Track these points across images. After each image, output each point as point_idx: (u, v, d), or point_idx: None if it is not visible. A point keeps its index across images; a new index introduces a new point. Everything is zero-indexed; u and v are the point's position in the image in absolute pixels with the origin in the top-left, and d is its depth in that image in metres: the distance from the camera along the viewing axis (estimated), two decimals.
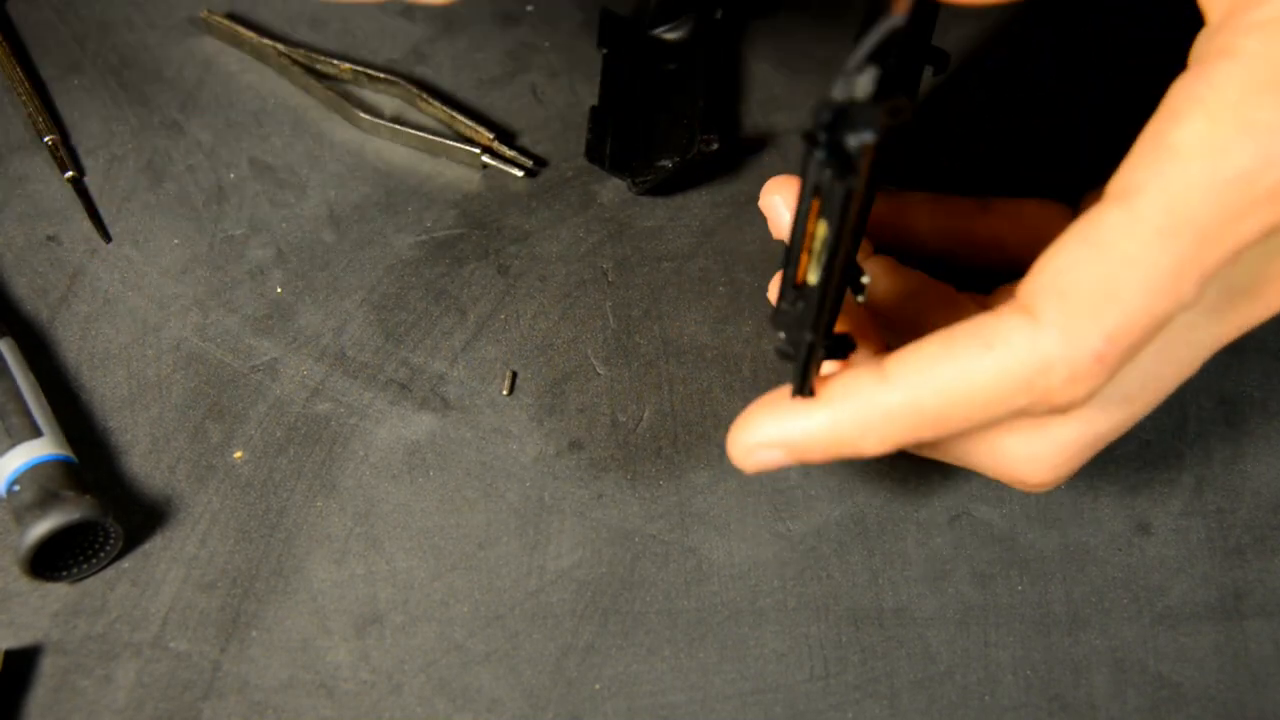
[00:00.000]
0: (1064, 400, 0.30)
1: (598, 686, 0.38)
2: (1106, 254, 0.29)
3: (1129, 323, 0.29)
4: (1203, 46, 0.30)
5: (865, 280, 0.34)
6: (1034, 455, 0.34)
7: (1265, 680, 0.39)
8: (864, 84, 0.28)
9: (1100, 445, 0.34)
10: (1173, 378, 0.33)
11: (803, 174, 0.30)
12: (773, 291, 0.39)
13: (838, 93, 0.28)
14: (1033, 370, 0.29)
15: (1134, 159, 0.29)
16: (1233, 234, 0.29)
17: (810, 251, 0.31)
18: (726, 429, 0.42)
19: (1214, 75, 0.29)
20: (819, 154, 0.28)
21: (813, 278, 0.31)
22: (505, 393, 0.43)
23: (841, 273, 0.30)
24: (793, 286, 0.32)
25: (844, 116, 0.27)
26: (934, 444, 0.34)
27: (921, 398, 0.30)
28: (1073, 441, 0.33)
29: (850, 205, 0.28)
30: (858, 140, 0.27)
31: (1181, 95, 0.29)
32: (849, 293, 0.34)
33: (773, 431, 0.32)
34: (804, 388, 0.32)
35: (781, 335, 0.33)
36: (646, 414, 0.43)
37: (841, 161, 0.28)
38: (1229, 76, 0.29)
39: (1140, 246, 0.28)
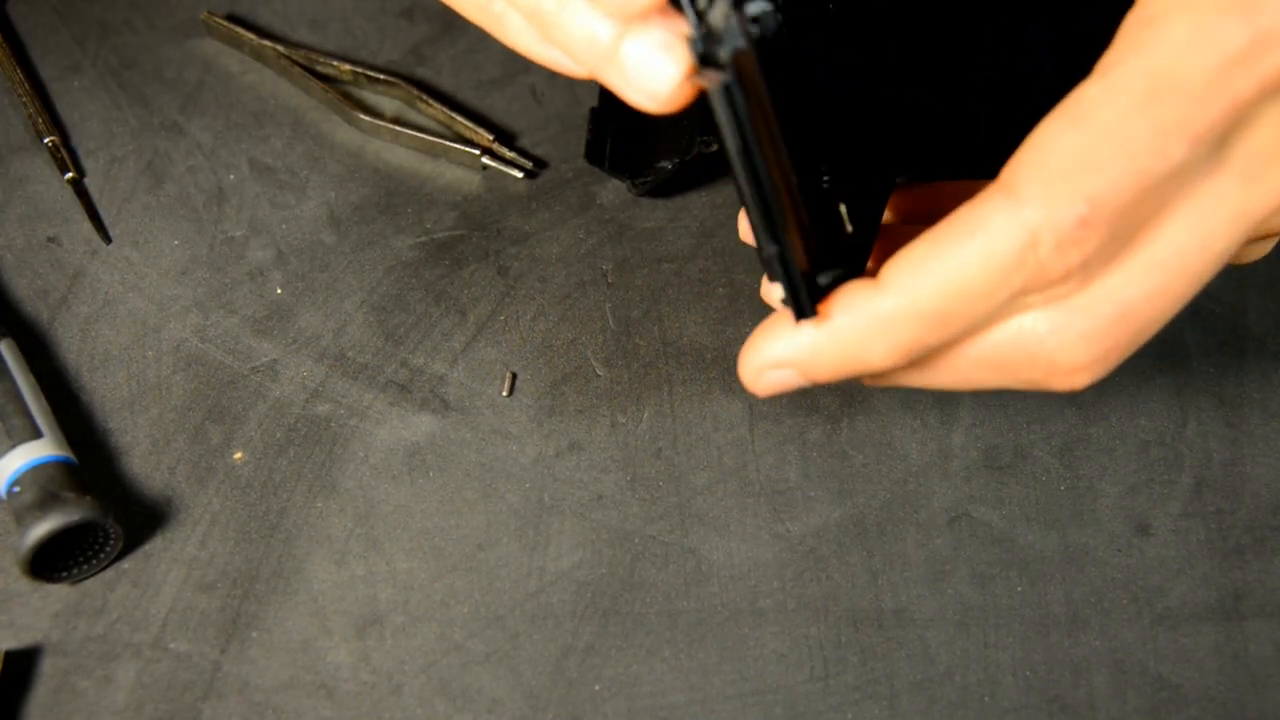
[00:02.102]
0: (1058, 270, 0.29)
1: (598, 687, 0.38)
2: (1085, 124, 0.29)
3: (1111, 185, 0.29)
4: None
5: (842, 208, 0.33)
6: (1060, 331, 0.31)
7: (1265, 681, 0.39)
8: (718, 13, 0.29)
9: (1137, 319, 0.31)
10: (1208, 249, 0.31)
11: (713, 115, 0.30)
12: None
13: (694, 30, 0.29)
14: (1020, 246, 0.29)
15: (1114, 43, 0.30)
16: (1224, 91, 0.28)
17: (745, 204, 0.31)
18: (726, 431, 0.43)
19: None
20: (704, 80, 0.29)
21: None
22: (505, 394, 0.43)
23: (778, 180, 0.30)
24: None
25: (711, 39, 0.29)
26: (955, 352, 0.32)
27: (918, 297, 0.30)
28: (1098, 308, 0.31)
29: (735, 101, 0.29)
30: (728, 51, 0.28)
31: None
32: (845, 223, 0.33)
33: (779, 350, 0.32)
34: (802, 309, 0.32)
35: (777, 291, 0.32)
36: (646, 415, 0.43)
37: (720, 69, 0.29)
38: None
39: (1118, 113, 0.29)
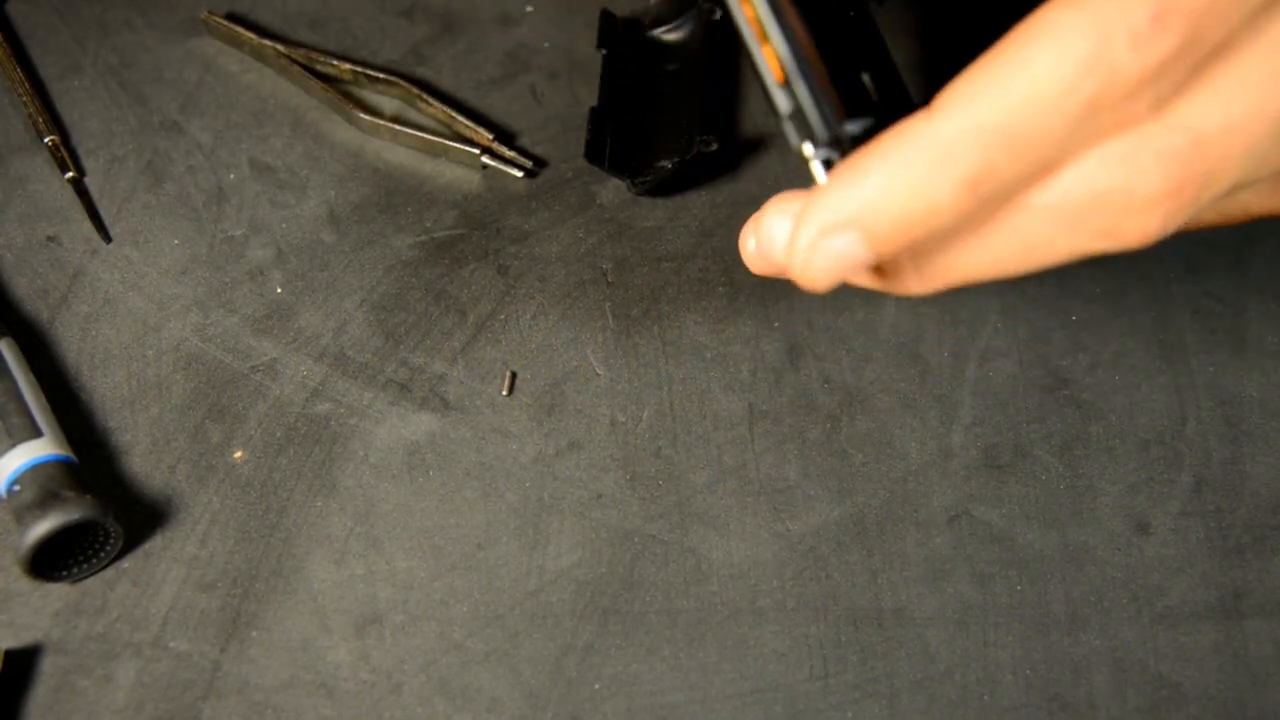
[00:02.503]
0: (1134, 74, 0.26)
1: (597, 686, 0.38)
2: None
3: None
4: None
5: (865, 78, 0.31)
6: (1135, 155, 0.28)
7: (1265, 680, 0.39)
8: None
9: (1214, 155, 0.28)
10: None
11: None
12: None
13: None
14: (1092, 45, 0.26)
15: None
16: None
17: (767, 40, 0.30)
18: (726, 429, 0.43)
19: None
20: None
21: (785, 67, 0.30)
22: (505, 393, 0.43)
23: (806, 42, 0.29)
24: (781, 91, 0.31)
25: None
26: (1027, 210, 0.29)
27: (983, 115, 0.27)
28: (1171, 133, 0.28)
29: None
30: None
31: None
32: (867, 85, 0.31)
33: (835, 208, 0.28)
34: (828, 121, 0.30)
35: (809, 149, 0.30)
36: (646, 414, 0.43)
37: None
38: None
39: None
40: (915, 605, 0.40)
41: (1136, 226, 0.28)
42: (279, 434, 0.42)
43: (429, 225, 0.47)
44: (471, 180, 0.48)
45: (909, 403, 0.43)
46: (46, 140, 0.48)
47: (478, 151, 0.48)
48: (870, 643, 0.39)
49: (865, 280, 0.33)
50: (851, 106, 0.30)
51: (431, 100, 0.49)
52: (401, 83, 0.49)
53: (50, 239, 0.46)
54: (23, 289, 0.45)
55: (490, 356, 0.44)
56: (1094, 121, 0.27)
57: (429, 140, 0.48)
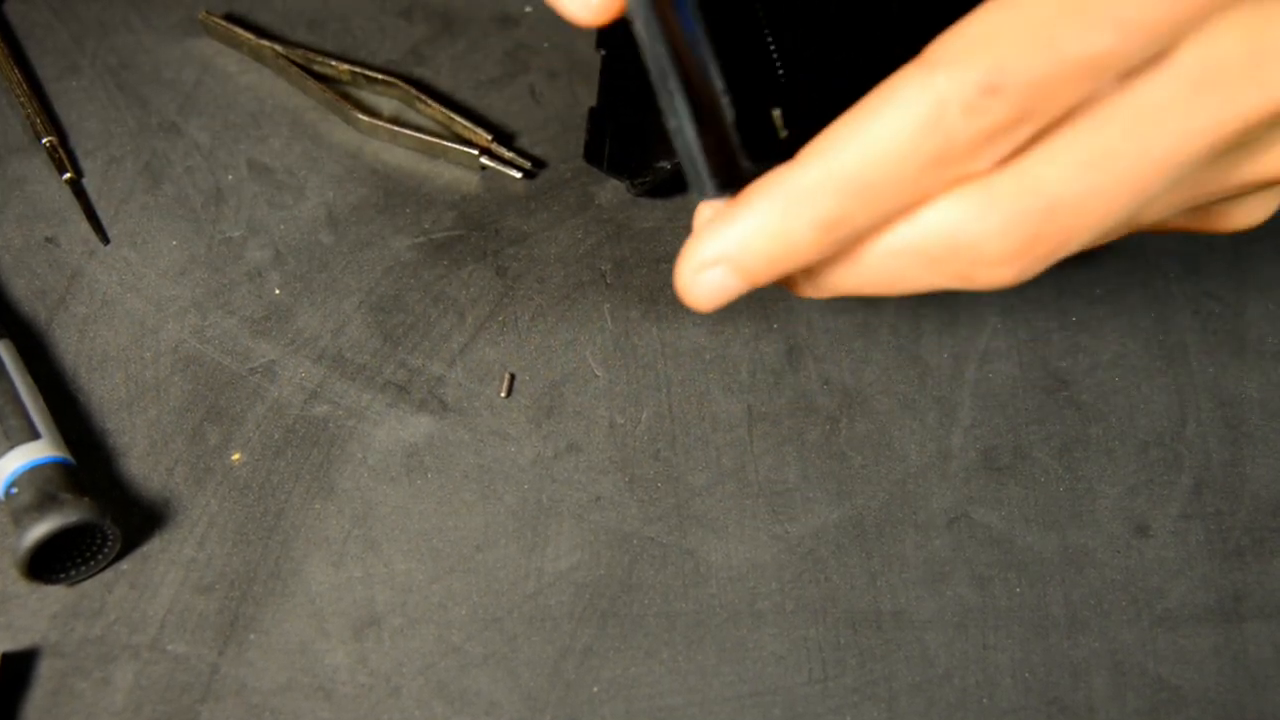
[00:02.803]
0: (966, 139, 0.29)
1: (596, 689, 0.38)
2: (1010, 5, 0.28)
3: (1021, 58, 0.28)
4: None
5: (776, 112, 0.33)
6: (983, 215, 0.30)
7: (1264, 682, 0.38)
8: None
9: (1065, 217, 0.30)
10: (1145, 154, 0.30)
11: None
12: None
13: None
14: (929, 110, 0.29)
15: None
16: None
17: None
18: (725, 432, 0.43)
19: None
20: None
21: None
22: (503, 395, 0.43)
23: (688, 63, 0.31)
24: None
25: None
26: (881, 242, 0.32)
27: (835, 167, 0.30)
28: (1020, 195, 0.30)
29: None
30: None
31: None
32: (778, 127, 0.33)
33: (710, 247, 0.32)
34: (700, 175, 0.32)
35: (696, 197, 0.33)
36: (644, 416, 0.43)
37: None
38: None
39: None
40: (914, 608, 0.40)
41: (990, 276, 0.31)
42: (277, 436, 0.42)
43: (427, 226, 0.47)
44: (470, 181, 0.48)
45: (908, 404, 0.43)
46: (44, 141, 0.48)
47: (476, 152, 0.48)
48: (869, 645, 0.39)
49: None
50: (754, 149, 0.32)
51: (430, 101, 0.49)
52: (400, 83, 0.49)
53: (48, 240, 0.46)
54: (20, 290, 0.45)
55: (489, 358, 0.44)
56: (938, 174, 0.30)
57: (427, 141, 0.48)
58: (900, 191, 0.30)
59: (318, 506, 0.41)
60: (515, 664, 0.38)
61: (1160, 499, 0.42)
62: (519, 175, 0.48)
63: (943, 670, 0.39)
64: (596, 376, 0.44)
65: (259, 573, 0.40)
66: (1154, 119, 0.29)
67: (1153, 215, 0.32)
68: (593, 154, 0.47)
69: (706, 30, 0.32)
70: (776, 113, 0.33)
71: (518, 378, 0.44)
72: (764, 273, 0.32)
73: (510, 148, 0.48)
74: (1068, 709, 0.38)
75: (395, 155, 0.49)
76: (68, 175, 0.47)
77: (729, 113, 0.32)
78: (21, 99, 0.49)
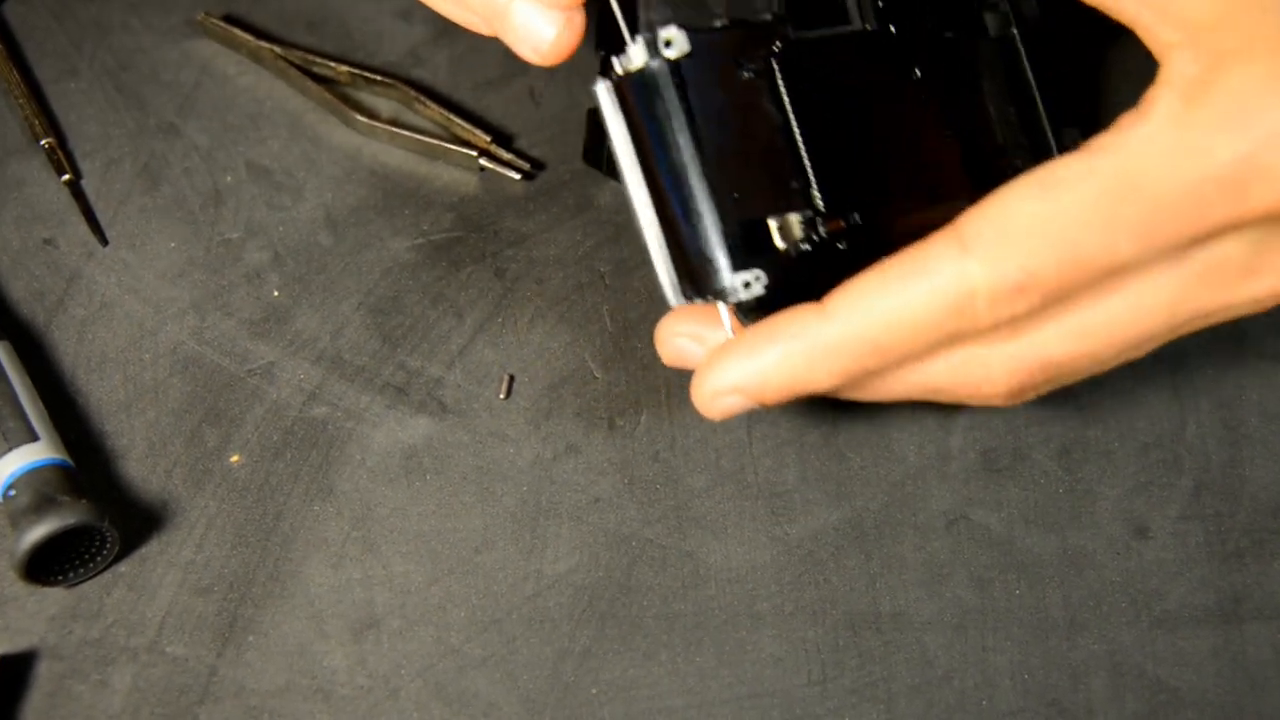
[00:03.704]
0: (988, 323, 0.31)
1: (595, 691, 0.38)
2: (1049, 198, 0.31)
3: (1054, 263, 0.30)
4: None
5: (772, 222, 0.34)
6: (987, 367, 0.34)
7: (1263, 684, 0.38)
8: (636, 54, 0.33)
9: (1059, 370, 0.34)
10: (1141, 325, 0.33)
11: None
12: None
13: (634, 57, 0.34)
14: (958, 295, 0.31)
15: (1112, 125, 0.31)
16: (1194, 210, 0.30)
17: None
18: (724, 433, 0.43)
19: (1218, 69, 0.30)
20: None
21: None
22: (502, 396, 0.43)
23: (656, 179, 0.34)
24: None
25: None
26: (892, 374, 0.35)
27: (861, 328, 0.32)
28: (1023, 355, 0.33)
29: (605, 111, 0.34)
30: (610, 78, 0.34)
31: (1172, 73, 0.31)
32: (773, 229, 0.34)
33: (731, 377, 0.34)
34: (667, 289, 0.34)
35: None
36: (644, 418, 0.43)
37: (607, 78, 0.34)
38: (1230, 71, 0.30)
39: (1082, 199, 0.30)
40: (913, 609, 0.40)
41: (984, 402, 0.35)
42: (276, 438, 0.42)
43: (426, 228, 0.47)
44: (469, 182, 0.48)
45: (907, 406, 0.43)
46: (43, 143, 0.48)
47: (475, 154, 0.48)
48: (868, 647, 0.39)
49: None
50: (741, 256, 0.33)
51: (429, 102, 0.49)
52: (399, 85, 0.49)
53: (46, 242, 0.46)
54: (19, 292, 0.45)
55: (487, 360, 0.44)
56: (952, 343, 0.33)
57: (426, 142, 0.48)
58: (916, 351, 0.33)
59: (316, 508, 0.41)
60: (514, 666, 0.38)
61: (1160, 501, 0.42)
62: (518, 177, 0.48)
63: (942, 672, 0.39)
64: (595, 378, 0.44)
65: (258, 575, 0.40)
66: (1154, 305, 0.32)
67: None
68: (592, 155, 0.47)
69: (691, 132, 0.33)
70: (794, 217, 0.34)
71: (516, 379, 0.44)
72: (777, 401, 0.34)
73: (509, 149, 0.48)
74: (1067, 710, 0.38)
75: (394, 157, 0.49)
76: (66, 177, 0.47)
77: (700, 227, 0.33)
78: (20, 100, 0.49)
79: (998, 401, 0.35)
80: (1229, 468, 0.42)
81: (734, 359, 0.34)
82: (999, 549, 0.41)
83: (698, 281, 0.34)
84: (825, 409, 0.43)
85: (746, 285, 0.33)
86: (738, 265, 0.33)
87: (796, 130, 0.35)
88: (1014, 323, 0.32)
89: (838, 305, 0.33)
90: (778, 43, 0.35)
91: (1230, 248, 0.31)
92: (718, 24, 0.35)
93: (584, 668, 0.38)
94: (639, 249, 0.46)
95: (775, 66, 0.35)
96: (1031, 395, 0.35)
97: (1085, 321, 0.33)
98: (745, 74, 0.35)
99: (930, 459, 0.42)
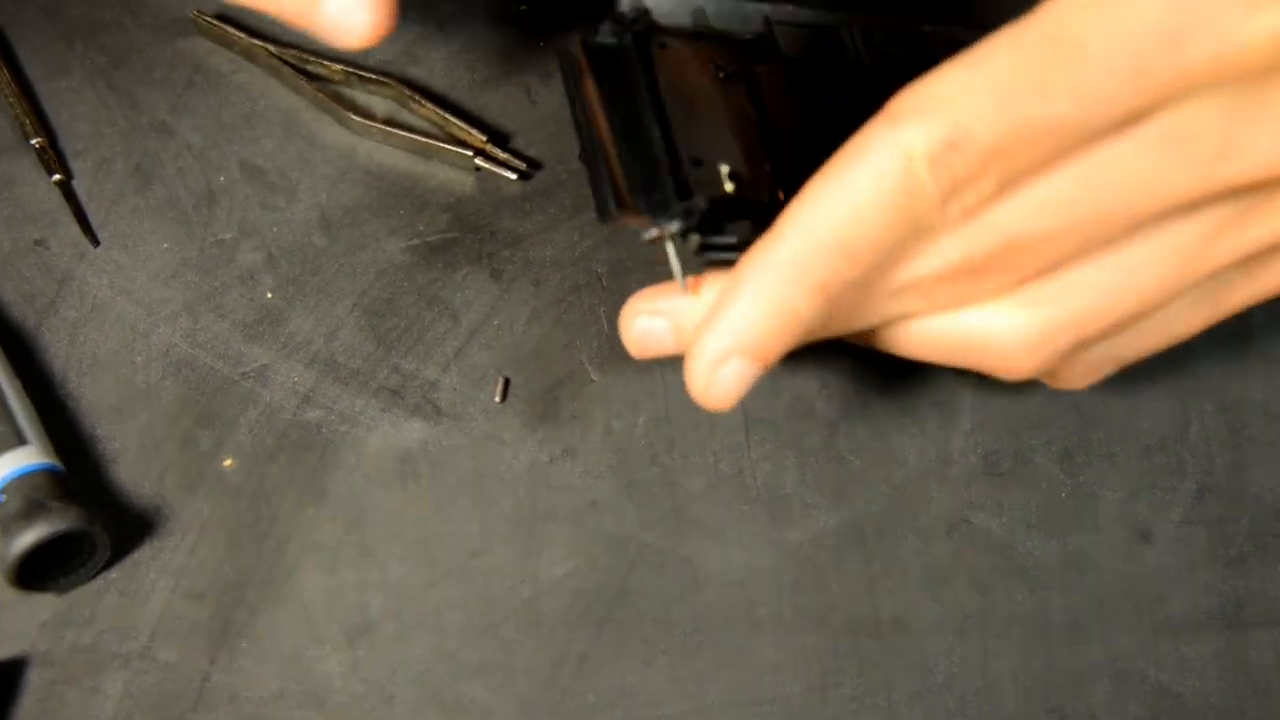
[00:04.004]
0: (936, 193, 0.30)
1: (591, 697, 0.38)
2: (978, 66, 0.30)
3: (983, 117, 0.29)
4: None
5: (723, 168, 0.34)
6: (971, 268, 0.32)
7: (1267, 690, 0.38)
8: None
9: (1028, 252, 0.32)
10: (1107, 203, 0.31)
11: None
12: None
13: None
14: (899, 167, 0.30)
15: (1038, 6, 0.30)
16: (1130, 71, 0.29)
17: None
18: (722, 436, 0.42)
19: None
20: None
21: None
22: (498, 399, 0.43)
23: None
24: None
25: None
26: (884, 293, 0.33)
27: (820, 231, 0.31)
28: (987, 241, 0.32)
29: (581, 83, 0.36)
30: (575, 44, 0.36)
31: None
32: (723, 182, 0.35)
33: (716, 344, 0.32)
34: (603, 201, 0.34)
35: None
36: (641, 420, 0.43)
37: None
38: None
39: (1011, 63, 0.30)
40: (914, 614, 0.39)
41: (1016, 369, 0.34)
42: (269, 441, 0.42)
43: (421, 228, 0.46)
44: (465, 182, 0.48)
45: (908, 409, 0.43)
46: (34, 142, 0.47)
47: (471, 153, 0.47)
48: (868, 653, 0.39)
49: None
50: (685, 187, 0.34)
51: (424, 101, 0.48)
52: (394, 83, 0.49)
53: (37, 242, 0.46)
54: (9, 293, 0.44)
55: (483, 362, 0.44)
56: (914, 226, 0.31)
57: (421, 142, 0.48)
58: (882, 247, 0.31)
59: (310, 512, 0.40)
60: (510, 671, 0.38)
61: (1162, 504, 0.41)
62: (514, 177, 0.47)
63: (942, 678, 0.38)
64: (592, 381, 0.43)
65: (251, 579, 0.39)
66: (1112, 173, 0.31)
67: (1158, 291, 0.33)
68: (589, 155, 0.47)
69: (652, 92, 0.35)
70: (724, 168, 0.35)
71: (512, 382, 0.43)
72: (775, 349, 0.32)
73: (505, 149, 0.48)
74: (1069, 716, 0.38)
75: (389, 156, 0.48)
76: (57, 177, 0.47)
77: (618, 153, 0.34)
78: (10, 99, 0.48)
79: (1021, 355, 0.33)
80: (1233, 471, 0.42)
81: (712, 321, 0.32)
82: (1000, 553, 0.40)
83: (640, 193, 0.34)
84: (825, 411, 0.43)
85: (688, 213, 0.33)
86: (682, 194, 0.33)
87: (765, 124, 0.36)
88: (958, 189, 0.30)
89: (789, 218, 0.31)
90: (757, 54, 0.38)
91: (1193, 117, 0.30)
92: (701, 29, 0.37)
93: (581, 673, 0.38)
94: (638, 250, 0.46)
95: (751, 72, 0.37)
96: (1055, 339, 0.33)
97: (1045, 194, 0.31)
98: (721, 75, 0.36)
99: (931, 462, 0.42)
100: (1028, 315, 0.33)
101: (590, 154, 0.35)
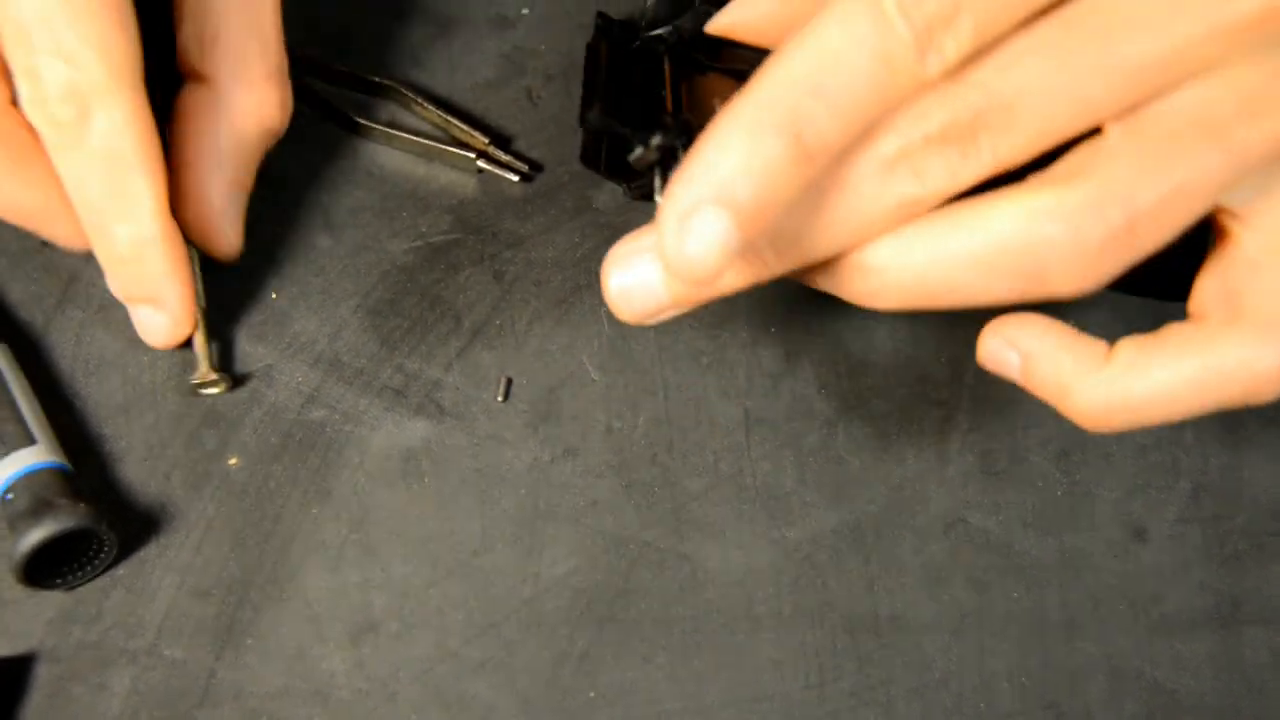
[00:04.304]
0: (909, 36, 0.29)
1: (592, 694, 0.38)
2: None
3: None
4: None
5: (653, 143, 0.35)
6: (959, 134, 0.30)
7: (1261, 688, 0.38)
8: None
9: (1027, 112, 0.30)
10: (1102, 55, 0.29)
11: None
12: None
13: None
14: (868, 8, 0.29)
15: None
16: None
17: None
18: (722, 436, 0.43)
19: None
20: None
21: None
22: (500, 399, 0.43)
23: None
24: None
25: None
26: (877, 160, 0.31)
27: (788, 74, 0.29)
28: (978, 102, 0.30)
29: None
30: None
31: None
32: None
33: (689, 193, 0.29)
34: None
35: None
36: (641, 420, 0.43)
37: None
38: None
39: None
40: (912, 612, 0.40)
41: (1070, 282, 0.32)
42: (274, 441, 0.42)
43: (424, 230, 0.47)
44: (467, 184, 0.48)
45: (906, 409, 0.43)
46: None
47: (473, 155, 0.48)
48: (866, 651, 0.39)
49: (737, 279, 0.34)
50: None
51: (426, 104, 0.49)
52: (396, 86, 0.49)
53: (45, 244, 0.46)
54: (17, 294, 0.45)
55: (485, 362, 0.44)
56: (892, 76, 0.29)
57: (424, 144, 0.48)
58: (859, 94, 0.29)
59: (314, 511, 0.41)
60: (512, 669, 0.38)
61: (1158, 503, 0.42)
62: (516, 178, 0.48)
63: (940, 675, 0.39)
64: (593, 381, 0.44)
65: (256, 578, 0.40)
66: (1104, 16, 0.29)
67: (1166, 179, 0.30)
68: (590, 157, 0.47)
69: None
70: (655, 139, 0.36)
71: (515, 382, 0.44)
72: (752, 204, 0.29)
73: (507, 151, 0.48)
74: (1065, 714, 0.38)
75: (392, 159, 0.49)
76: None
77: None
78: None
79: (1069, 246, 0.30)
80: (1227, 470, 0.42)
81: (684, 170, 0.30)
82: (997, 552, 0.41)
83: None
84: (824, 410, 0.43)
85: (667, 130, 0.34)
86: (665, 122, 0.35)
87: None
88: (932, 33, 0.28)
89: (763, 71, 0.30)
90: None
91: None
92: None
93: (582, 671, 0.38)
94: None
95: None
96: (1105, 213, 0.30)
97: (1031, 45, 0.29)
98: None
99: (929, 462, 0.42)
100: (1058, 199, 0.30)
101: (588, 96, 0.39)
